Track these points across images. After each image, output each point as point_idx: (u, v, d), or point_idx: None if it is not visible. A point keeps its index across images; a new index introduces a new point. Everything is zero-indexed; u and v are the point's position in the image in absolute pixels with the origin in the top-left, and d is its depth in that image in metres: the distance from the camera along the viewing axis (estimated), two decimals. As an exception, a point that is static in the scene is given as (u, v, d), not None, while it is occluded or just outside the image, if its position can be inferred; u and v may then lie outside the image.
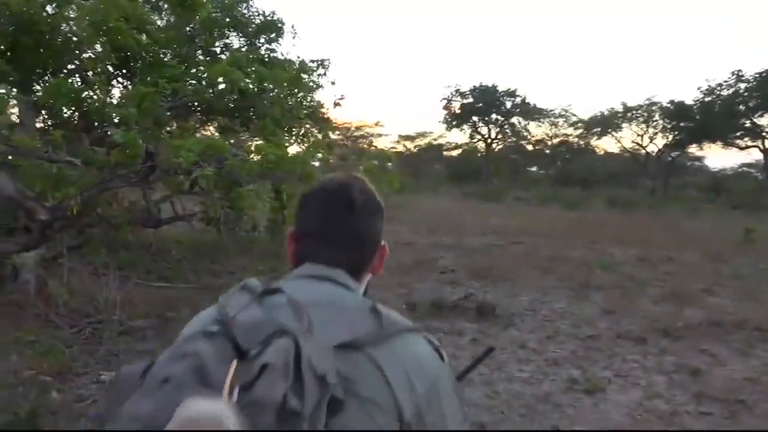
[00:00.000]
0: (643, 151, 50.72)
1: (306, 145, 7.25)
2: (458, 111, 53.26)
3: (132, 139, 4.85)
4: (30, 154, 4.68)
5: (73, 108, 6.44)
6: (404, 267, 11.15)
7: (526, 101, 51.79)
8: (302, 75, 8.61)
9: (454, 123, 53.74)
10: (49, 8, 7.58)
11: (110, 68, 8.04)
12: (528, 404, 4.84)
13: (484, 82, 52.82)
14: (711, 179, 53.90)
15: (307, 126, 10.35)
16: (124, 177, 5.25)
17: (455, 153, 63.06)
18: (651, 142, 49.81)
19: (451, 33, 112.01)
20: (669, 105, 44.84)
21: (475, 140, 55.76)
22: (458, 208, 28.13)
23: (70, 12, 7.68)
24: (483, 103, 51.72)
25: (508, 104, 52.32)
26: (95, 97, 5.89)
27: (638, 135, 49.70)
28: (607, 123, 49.76)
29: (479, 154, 58.30)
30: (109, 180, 5.19)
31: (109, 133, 5.17)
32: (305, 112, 8.86)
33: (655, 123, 48.21)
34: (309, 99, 9.30)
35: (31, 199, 5.06)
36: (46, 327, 6.01)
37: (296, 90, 8.54)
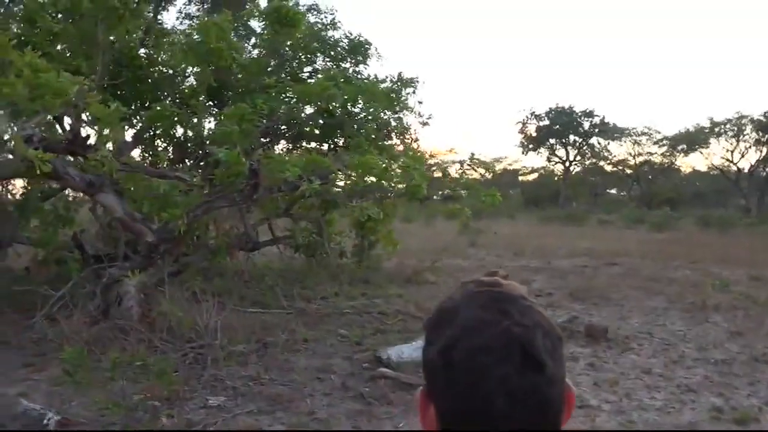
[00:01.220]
0: (734, 168, 47.86)
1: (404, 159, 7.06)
2: (534, 134, 52.18)
3: (235, 157, 4.78)
4: (142, 170, 4.67)
5: (172, 135, 6.49)
6: (497, 290, 10.67)
7: (605, 121, 50.17)
8: (392, 93, 8.48)
9: (530, 146, 52.65)
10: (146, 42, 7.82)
11: (203, 99, 8.19)
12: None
13: (560, 104, 51.67)
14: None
15: (398, 144, 10.20)
16: (228, 196, 5.18)
17: (531, 177, 61.79)
18: (742, 157, 46.98)
19: (524, 54, 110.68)
20: (762, 117, 42.22)
21: (552, 163, 54.41)
22: (539, 231, 27.20)
23: (165, 45, 7.88)
24: (560, 125, 50.46)
25: (586, 125, 50.81)
26: (194, 120, 5.91)
27: (728, 151, 46.97)
28: (693, 139, 47.31)
29: (556, 178, 56.85)
30: (214, 199, 5.13)
31: (209, 151, 5.12)
32: (396, 131, 8.72)
33: (746, 137, 45.50)
34: (399, 118, 9.14)
35: (139, 220, 5.05)
36: (152, 352, 5.97)
37: (387, 109, 8.40)
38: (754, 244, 20.32)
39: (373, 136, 7.90)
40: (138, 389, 4.88)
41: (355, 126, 8.96)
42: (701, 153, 48.54)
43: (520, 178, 62.57)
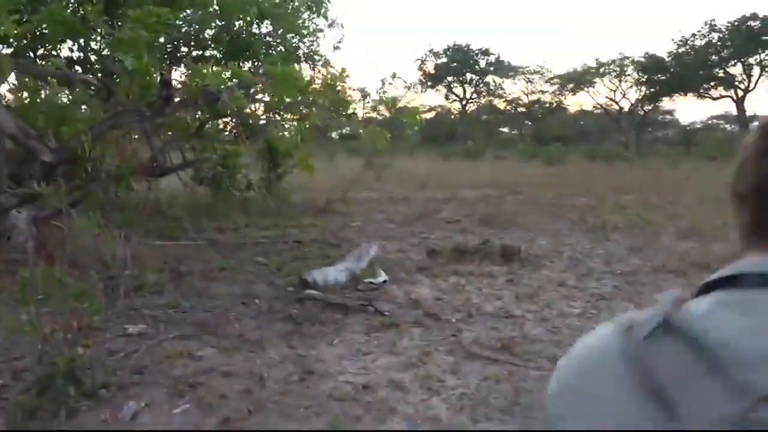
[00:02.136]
0: (616, 107, 50.84)
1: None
2: (432, 71, 52.48)
3: (143, 66, 4.29)
4: (41, 72, 4.09)
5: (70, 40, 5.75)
6: (409, 219, 10.77)
7: (501, 59, 51.31)
8: (299, 13, 8.02)
9: (428, 84, 53.00)
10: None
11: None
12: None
13: (458, 42, 52.09)
14: (681, 133, 54.51)
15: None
16: (137, 110, 4.69)
17: (428, 116, 62.51)
18: (624, 96, 49.94)
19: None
20: (642, 59, 44.78)
21: (450, 100, 55.19)
22: (440, 167, 27.71)
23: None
24: (457, 63, 51.03)
25: (483, 63, 51.73)
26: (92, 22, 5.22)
27: (611, 90, 49.72)
28: (581, 79, 49.59)
29: (452, 116, 57.82)
30: (121, 113, 4.63)
31: (117, 60, 4.58)
32: (306, 56, 8.32)
33: (627, 77, 48.25)
34: (310, 40, 8.72)
35: (33, 137, 4.48)
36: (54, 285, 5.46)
37: (294, 31, 7.95)
38: (637, 174, 21.79)
39: (282, 59, 7.44)
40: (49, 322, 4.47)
41: (263, 49, 8.46)
42: (587, 92, 51.01)
43: (419, 116, 63.07)
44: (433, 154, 41.14)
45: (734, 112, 43.47)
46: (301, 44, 9.26)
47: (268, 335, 4.42)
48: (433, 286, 6.14)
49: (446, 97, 54.95)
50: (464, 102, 54.18)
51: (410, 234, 9.34)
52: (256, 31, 8.61)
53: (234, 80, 5.14)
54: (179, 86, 4.63)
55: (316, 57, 10.34)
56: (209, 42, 8.56)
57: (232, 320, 4.75)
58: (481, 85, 53.31)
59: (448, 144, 47.65)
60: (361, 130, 8.83)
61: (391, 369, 3.88)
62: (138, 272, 5.82)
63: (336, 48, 9.48)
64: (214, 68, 4.87)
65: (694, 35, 40.82)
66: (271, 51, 8.47)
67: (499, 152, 41.97)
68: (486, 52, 51.22)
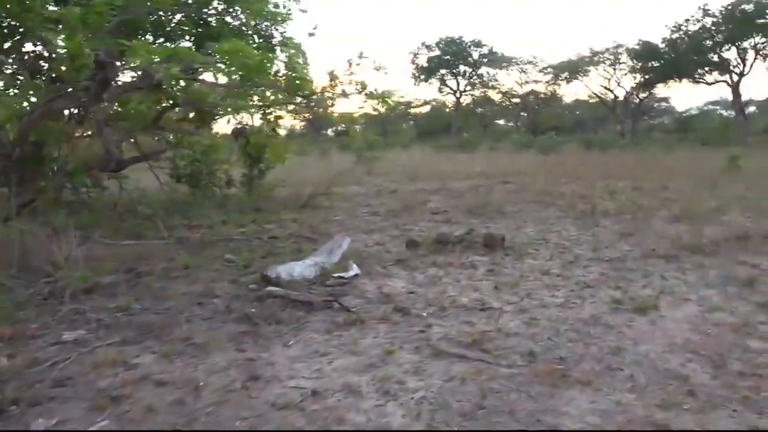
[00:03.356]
0: (612, 96, 50.40)
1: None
2: (425, 64, 51.98)
3: (77, 46, 3.91)
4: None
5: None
6: (393, 211, 10.39)
7: (494, 50, 50.82)
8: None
9: (421, 77, 52.49)
10: None
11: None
12: (576, 328, 4.15)
13: (450, 34, 51.61)
14: (677, 120, 54.14)
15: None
16: (72, 95, 4.30)
17: (424, 110, 62.08)
18: (619, 85, 49.48)
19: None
20: (637, 46, 44.31)
21: (444, 93, 54.72)
22: (433, 159, 27.29)
23: None
24: (450, 55, 50.54)
25: (476, 54, 51.23)
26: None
27: (606, 79, 49.26)
28: (575, 68, 49.12)
29: (447, 110, 57.38)
30: (54, 99, 4.24)
31: (46, 39, 4.16)
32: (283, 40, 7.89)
33: (621, 65, 47.79)
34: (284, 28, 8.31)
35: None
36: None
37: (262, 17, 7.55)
38: (631, 161, 21.39)
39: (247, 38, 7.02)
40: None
41: (235, 37, 8.05)
42: (582, 81, 50.58)
43: (413, 110, 62.73)
44: (427, 147, 40.77)
45: (730, 97, 42.99)
46: (274, 31, 8.85)
47: (217, 337, 4.04)
48: (409, 278, 5.77)
49: (440, 90, 54.51)
50: (458, 94, 53.72)
51: (393, 226, 8.96)
52: (229, 20, 8.20)
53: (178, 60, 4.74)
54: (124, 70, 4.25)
55: (290, 44, 9.91)
56: (177, 31, 8.16)
57: (182, 322, 4.37)
58: (475, 77, 52.82)
59: (444, 137, 47.25)
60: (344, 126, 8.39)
61: (348, 371, 3.50)
62: (93, 273, 5.44)
63: (311, 35, 9.01)
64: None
65: (687, 20, 40.33)
66: (244, 39, 8.06)
67: (494, 143, 41.61)
68: (478, 44, 50.77)
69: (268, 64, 4.99)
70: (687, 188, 12.72)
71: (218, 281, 5.58)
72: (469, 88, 53.78)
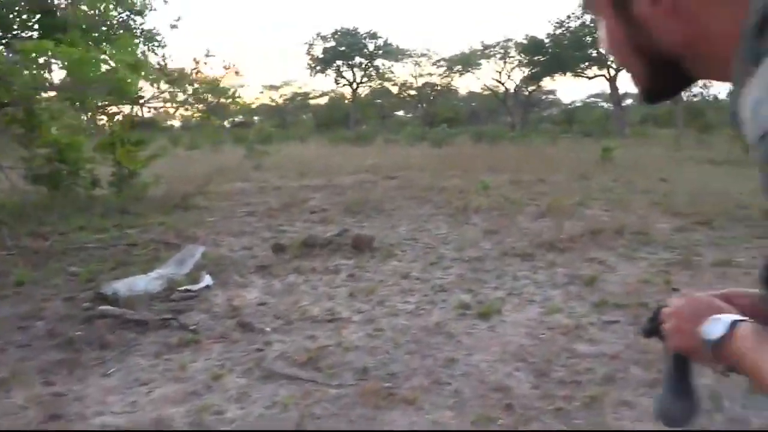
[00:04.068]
0: (503, 88, 52.19)
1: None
2: (321, 55, 51.47)
3: None
4: None
5: None
6: (272, 211, 10.10)
7: (389, 42, 51.08)
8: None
9: (317, 68, 51.94)
10: None
11: None
12: (417, 339, 4.10)
13: (345, 26, 51.36)
14: (563, 112, 56.97)
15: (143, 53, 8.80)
16: None
17: (322, 101, 61.61)
18: (509, 78, 51.31)
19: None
20: (524, 41, 46.03)
21: (340, 85, 54.46)
22: (327, 152, 27.08)
23: None
24: (345, 47, 50.29)
25: (371, 46, 51.31)
26: None
27: (497, 72, 50.94)
28: (467, 61, 50.37)
29: (346, 101, 57.22)
30: None
31: None
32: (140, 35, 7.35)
33: (511, 59, 49.54)
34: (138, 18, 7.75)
35: None
36: None
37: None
38: (517, 154, 22.17)
39: (86, 28, 6.47)
40: None
41: (84, 27, 7.44)
42: (474, 74, 52.00)
43: (311, 101, 62.11)
44: (324, 139, 40.45)
45: (608, 90, 45.67)
46: (131, 21, 8.26)
47: (27, 368, 3.65)
48: (265, 287, 5.54)
49: (336, 82, 54.19)
50: (355, 86, 53.64)
51: (267, 228, 8.68)
52: (82, 8, 7.54)
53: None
54: None
55: (157, 37, 9.34)
56: (17, 20, 7.42)
57: (-10, 352, 3.93)
58: (371, 68, 52.93)
59: (342, 129, 47.04)
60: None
61: (166, 402, 3.24)
62: None
63: (173, 27, 8.51)
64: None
65: (569, 17, 42.38)
66: (93, 34, 7.45)
67: (390, 135, 41.89)
68: (374, 35, 50.85)
69: (93, 62, 4.56)
70: (562, 181, 13.29)
71: (52, 300, 5.11)
72: (365, 79, 53.84)
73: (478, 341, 4.01)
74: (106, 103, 6.10)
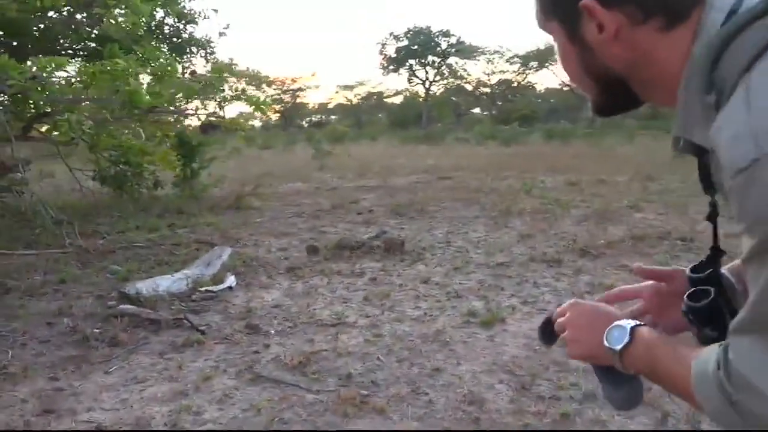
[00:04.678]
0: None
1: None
2: (394, 55, 51.77)
3: None
4: None
5: None
6: (319, 212, 10.27)
7: (461, 40, 50.70)
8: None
9: (390, 68, 52.28)
10: None
11: None
12: (411, 346, 4.07)
13: (418, 25, 51.40)
14: (649, 106, 54.36)
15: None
16: None
17: (397, 100, 61.96)
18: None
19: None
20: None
21: (413, 84, 54.55)
22: (394, 152, 27.16)
23: None
24: (418, 45, 50.33)
25: (444, 44, 51.10)
26: None
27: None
28: (543, 57, 49.20)
29: (420, 99, 57.23)
30: None
31: None
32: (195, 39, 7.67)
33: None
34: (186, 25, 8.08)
35: None
36: None
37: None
38: (586, 152, 21.45)
39: (120, 40, 6.76)
40: None
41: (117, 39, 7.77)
42: (551, 70, 50.70)
43: (386, 100, 62.57)
44: (395, 139, 40.62)
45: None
46: (182, 31, 8.64)
47: (39, 363, 3.91)
48: (286, 289, 5.66)
49: (409, 81, 54.31)
50: (427, 85, 53.57)
51: (309, 229, 8.84)
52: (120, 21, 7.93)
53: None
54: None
55: (209, 45, 9.71)
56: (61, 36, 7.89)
57: (13, 345, 4.23)
58: (444, 66, 52.71)
59: (415, 128, 47.10)
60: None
61: (154, 401, 3.39)
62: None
63: (222, 34, 8.83)
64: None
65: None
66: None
67: (461, 134, 41.47)
68: (447, 34, 50.62)
69: (109, 75, 4.81)
70: (623, 182, 12.77)
71: (84, 298, 5.43)
72: (438, 78, 53.66)
73: (471, 351, 3.93)
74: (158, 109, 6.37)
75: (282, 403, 3.30)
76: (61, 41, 7.58)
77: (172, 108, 5.26)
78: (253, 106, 6.55)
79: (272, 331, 4.48)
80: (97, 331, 4.47)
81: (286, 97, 57.20)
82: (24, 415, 3.23)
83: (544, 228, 7.81)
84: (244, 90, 7.07)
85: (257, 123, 51.22)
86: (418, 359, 3.85)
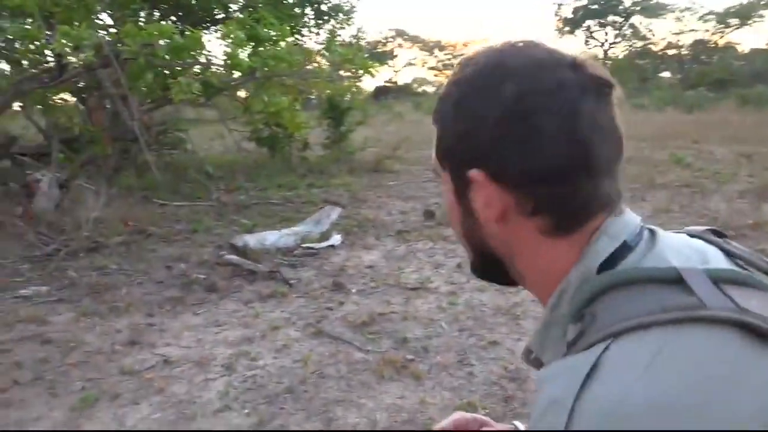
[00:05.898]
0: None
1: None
2: (571, 15, 48.81)
3: (35, 33, 4.33)
4: None
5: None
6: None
7: (648, -4, 46.24)
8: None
9: (566, 29, 49.42)
10: None
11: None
12: (479, 316, 3.94)
13: (598, -19, 47.74)
14: None
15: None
16: (39, 78, 4.79)
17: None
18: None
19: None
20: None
21: (590, 46, 51.09)
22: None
23: None
24: (597, 4, 46.88)
25: (627, 2, 47.02)
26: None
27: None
28: (746, 13, 43.30)
29: (602, 63, 53.58)
30: (19, 82, 4.76)
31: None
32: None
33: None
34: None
35: None
36: (19, 245, 5.88)
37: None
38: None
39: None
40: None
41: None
42: (753, 27, 44.50)
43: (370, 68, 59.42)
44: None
45: None
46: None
47: (142, 301, 4.39)
48: (388, 252, 5.74)
49: (586, 43, 50.95)
50: (607, 47, 49.90)
51: (439, 194, 8.82)
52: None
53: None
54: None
55: (351, 12, 9.87)
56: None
57: (130, 284, 4.79)
58: (626, 27, 48.62)
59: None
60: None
61: (222, 344, 3.67)
62: (99, 234, 6.07)
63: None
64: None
65: None
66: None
67: (641, 101, 38.26)
68: (631, -10, 46.43)
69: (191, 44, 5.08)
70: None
71: (206, 246, 5.96)
72: (619, 39, 49.70)
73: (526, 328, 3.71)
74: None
75: (330, 359, 3.39)
76: (214, 11, 8.17)
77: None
78: (365, 70, 6.56)
79: (354, 290, 4.59)
80: (202, 277, 4.90)
81: (456, 62, 56.65)
82: (114, 344, 3.67)
83: (685, 204, 7.02)
84: (356, 53, 7.02)
85: (430, 89, 51.72)
86: (479, 330, 3.72)
